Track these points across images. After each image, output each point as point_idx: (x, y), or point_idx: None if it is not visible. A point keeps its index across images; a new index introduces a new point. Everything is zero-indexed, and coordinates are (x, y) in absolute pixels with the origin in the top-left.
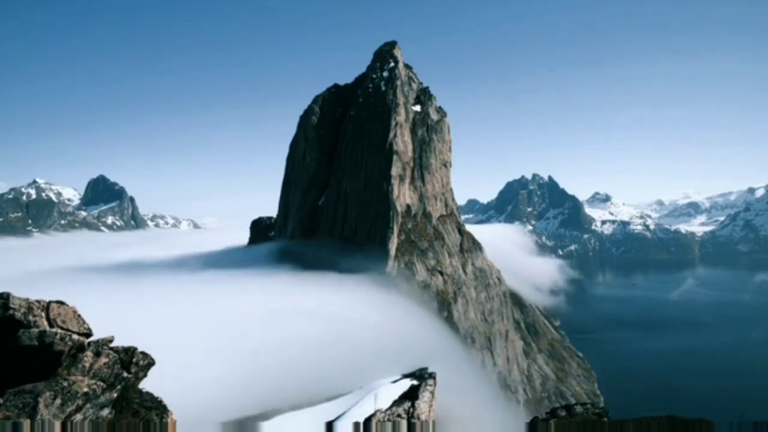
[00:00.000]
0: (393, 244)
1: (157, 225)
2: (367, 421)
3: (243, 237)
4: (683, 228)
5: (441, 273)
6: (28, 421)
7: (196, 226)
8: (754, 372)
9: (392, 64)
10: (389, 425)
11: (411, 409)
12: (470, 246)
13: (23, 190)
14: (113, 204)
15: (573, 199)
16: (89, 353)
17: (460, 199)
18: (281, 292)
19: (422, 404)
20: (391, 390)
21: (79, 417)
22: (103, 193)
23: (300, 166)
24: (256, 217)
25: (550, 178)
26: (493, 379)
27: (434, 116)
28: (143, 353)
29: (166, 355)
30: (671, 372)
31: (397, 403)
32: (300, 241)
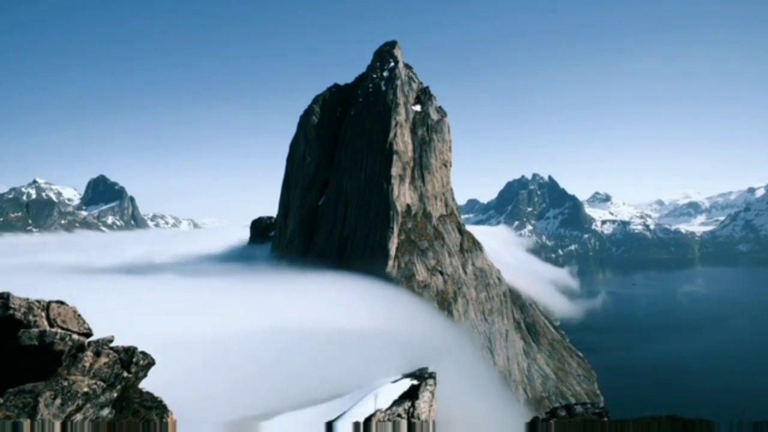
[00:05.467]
0: (393, 244)
1: (157, 225)
2: (367, 421)
3: (243, 237)
4: (683, 228)
5: (441, 273)
6: (28, 420)
7: (196, 225)
8: (754, 372)
9: (392, 64)
10: (389, 425)
11: (411, 409)
12: (470, 246)
13: (23, 190)
14: (113, 204)
15: (573, 199)
16: (89, 353)
17: (460, 199)
18: (281, 292)
19: (422, 404)
20: (391, 390)
21: (79, 417)
22: (103, 192)
23: (300, 166)
24: (256, 216)
25: (550, 177)
26: (493, 378)
27: (434, 116)
28: (143, 353)
29: (165, 354)
30: (672, 372)
31: (397, 403)
32: (300, 241)
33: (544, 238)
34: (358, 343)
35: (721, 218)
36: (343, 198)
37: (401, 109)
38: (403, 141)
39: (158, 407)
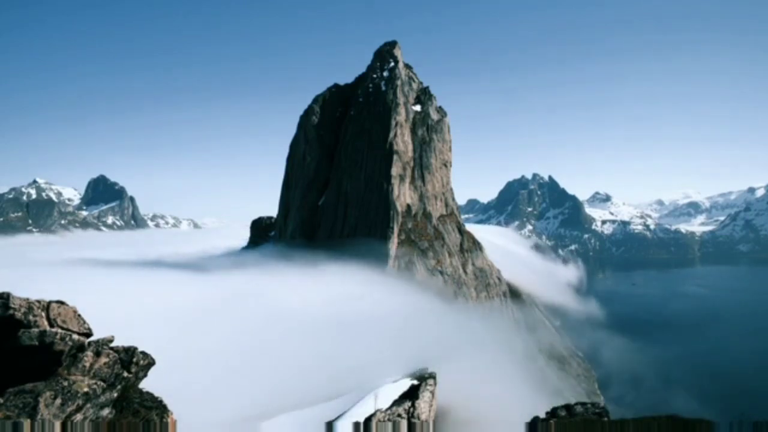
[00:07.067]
0: (393, 244)
1: (157, 225)
2: (367, 420)
3: (243, 237)
4: (683, 228)
5: (441, 273)
6: (29, 420)
7: (196, 225)
8: (754, 372)
9: (392, 64)
10: (389, 425)
11: (411, 409)
12: (470, 246)
13: (23, 190)
14: (113, 204)
15: (573, 198)
16: (89, 353)
17: (460, 199)
18: (281, 290)
19: (422, 404)
20: (391, 390)
21: (79, 417)
22: (103, 192)
23: (300, 166)
24: (256, 216)
25: (550, 177)
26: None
27: (434, 116)
28: (143, 353)
29: (166, 354)
30: (672, 371)
31: (397, 402)
32: (300, 241)
33: (544, 238)
34: (361, 339)
35: (721, 218)
36: (343, 198)
37: (401, 109)
38: (403, 141)
39: (158, 407)
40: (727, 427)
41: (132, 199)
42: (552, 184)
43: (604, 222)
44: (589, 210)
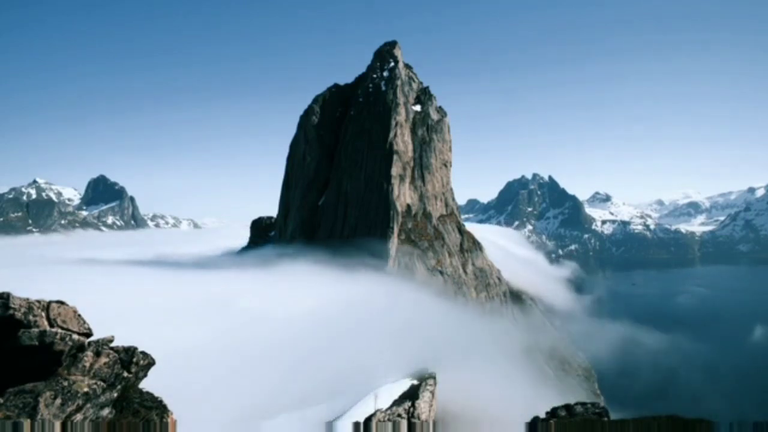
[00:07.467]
0: (393, 244)
1: (157, 225)
2: (368, 420)
3: (243, 237)
4: (683, 228)
5: (441, 273)
6: (29, 421)
7: (196, 225)
8: (754, 372)
9: (392, 64)
10: (389, 425)
11: (411, 409)
12: (470, 246)
13: (23, 190)
14: (113, 204)
15: (573, 198)
16: (89, 353)
17: (460, 199)
18: (281, 289)
19: (422, 404)
20: (392, 390)
21: (79, 417)
22: (103, 192)
23: (300, 166)
24: (256, 216)
25: (550, 177)
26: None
27: (434, 116)
28: (143, 353)
29: (166, 354)
30: (672, 372)
31: (397, 402)
32: (300, 241)
33: (544, 238)
34: (361, 339)
35: (721, 218)
36: (343, 198)
37: (401, 109)
38: (403, 141)
39: (158, 407)
40: (727, 427)
41: (132, 199)
42: (552, 184)
43: (604, 222)
44: (589, 210)
